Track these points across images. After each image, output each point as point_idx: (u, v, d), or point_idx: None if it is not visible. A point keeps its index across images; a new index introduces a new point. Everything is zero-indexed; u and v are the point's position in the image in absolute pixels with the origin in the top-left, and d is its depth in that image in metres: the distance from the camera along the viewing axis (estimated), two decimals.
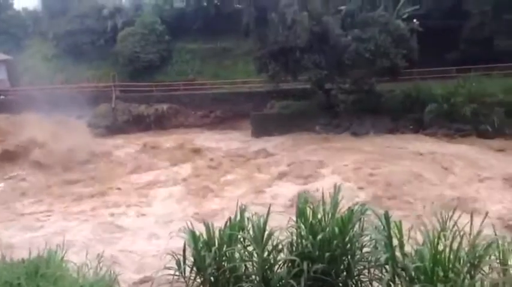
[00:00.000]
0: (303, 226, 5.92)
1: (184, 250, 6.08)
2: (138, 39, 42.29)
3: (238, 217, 6.22)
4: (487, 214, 6.00)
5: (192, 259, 6.08)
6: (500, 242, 5.17)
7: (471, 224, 5.43)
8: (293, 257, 5.73)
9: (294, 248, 5.94)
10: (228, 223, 6.12)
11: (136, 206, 20.46)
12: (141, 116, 38.51)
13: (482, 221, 5.34)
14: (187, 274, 6.08)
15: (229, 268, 5.90)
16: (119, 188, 23.32)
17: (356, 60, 30.71)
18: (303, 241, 5.85)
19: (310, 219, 5.94)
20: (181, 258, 6.11)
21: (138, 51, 41.97)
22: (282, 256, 5.96)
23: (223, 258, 5.97)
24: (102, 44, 45.12)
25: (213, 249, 5.89)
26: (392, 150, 26.34)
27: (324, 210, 6.06)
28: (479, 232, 5.16)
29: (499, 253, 5.11)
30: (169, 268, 6.15)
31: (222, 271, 5.87)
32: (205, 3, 44.58)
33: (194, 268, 6.03)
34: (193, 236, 6.05)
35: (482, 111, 28.33)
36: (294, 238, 6.01)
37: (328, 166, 23.96)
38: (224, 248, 5.94)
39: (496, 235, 5.16)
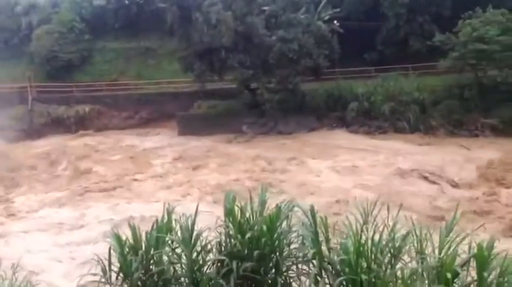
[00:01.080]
0: (231, 225, 5.92)
1: (109, 255, 5.87)
2: (55, 38, 40.23)
3: (166, 219, 6.11)
4: (401, 205, 6.32)
5: (118, 265, 5.89)
6: (417, 232, 5.46)
7: (388, 215, 5.69)
8: (222, 257, 5.72)
9: (223, 248, 5.93)
10: (155, 225, 5.99)
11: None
12: (61, 118, 36.78)
13: (398, 213, 5.61)
14: (113, 280, 5.88)
15: (157, 271, 5.77)
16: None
17: (280, 60, 31.28)
18: (232, 240, 5.85)
19: (239, 218, 5.95)
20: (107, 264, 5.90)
21: (56, 51, 39.93)
22: (211, 256, 5.92)
23: (151, 262, 5.84)
24: (16, 42, 42.56)
25: (140, 253, 5.74)
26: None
27: (252, 208, 6.09)
28: (395, 223, 5.42)
29: (417, 242, 5.39)
30: (94, 274, 5.92)
31: (149, 274, 5.74)
32: (126, 1, 43.33)
33: (120, 274, 5.84)
34: (119, 241, 5.85)
35: (400, 109, 29.89)
36: (223, 237, 6.00)
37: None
38: (151, 252, 5.80)
39: (413, 225, 5.43)
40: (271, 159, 25.32)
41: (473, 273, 4.89)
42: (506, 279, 4.69)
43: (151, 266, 5.82)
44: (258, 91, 32.65)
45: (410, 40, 34.56)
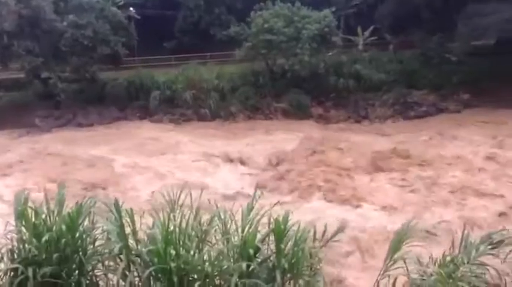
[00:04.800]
0: (24, 229, 5.34)
1: None
2: None
3: None
4: (202, 190, 6.51)
5: None
6: (222, 214, 5.67)
7: (195, 199, 5.79)
8: (15, 265, 5.13)
9: (16, 255, 5.32)
10: None
11: None
12: None
13: (200, 196, 5.76)
14: None
15: None
16: None
17: (74, 48, 29.40)
18: (26, 245, 5.29)
19: (33, 220, 5.40)
20: None
21: None
22: (1, 266, 5.27)
23: None
24: None
25: None
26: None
27: (48, 209, 5.59)
28: (198, 208, 5.55)
29: (222, 224, 5.61)
30: None
31: None
32: None
33: None
34: None
35: (201, 96, 30.70)
36: (16, 243, 5.39)
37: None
38: None
39: (217, 208, 5.63)
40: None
41: (273, 246, 5.30)
42: (300, 247, 5.20)
43: None
44: (50, 81, 30.04)
45: (211, 30, 35.79)
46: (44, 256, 5.27)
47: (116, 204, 5.57)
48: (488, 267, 4.95)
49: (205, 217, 5.51)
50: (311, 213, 14.54)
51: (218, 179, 19.54)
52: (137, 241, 5.48)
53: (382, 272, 5.51)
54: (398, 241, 5.49)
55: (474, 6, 29.44)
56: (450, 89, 30.40)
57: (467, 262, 4.97)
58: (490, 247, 5.09)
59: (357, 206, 16.70)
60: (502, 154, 21.07)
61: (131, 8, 32.61)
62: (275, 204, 6.14)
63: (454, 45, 31.22)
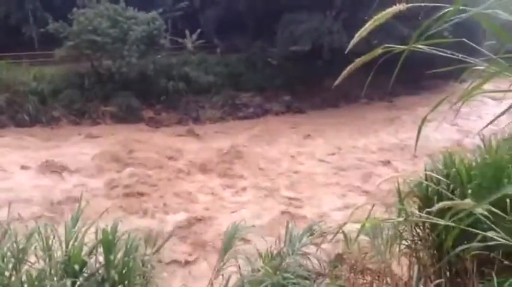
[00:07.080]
0: None
1: None
2: None
3: None
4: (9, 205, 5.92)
5: None
6: (42, 229, 5.17)
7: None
8: None
9: None
10: None
11: None
12: None
13: (8, 211, 5.20)
14: None
15: None
16: None
17: None
18: None
19: None
20: None
21: None
22: None
23: None
24: None
25: None
26: None
27: None
28: (9, 224, 5.01)
29: (42, 240, 5.11)
30: None
31: None
32: None
33: None
34: None
35: (17, 100, 27.90)
36: None
37: None
38: None
39: (36, 222, 5.12)
40: None
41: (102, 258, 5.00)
42: (131, 257, 5.00)
43: None
44: None
45: (23, 28, 32.65)
46: None
47: None
48: (310, 256, 5.34)
49: (23, 234, 4.96)
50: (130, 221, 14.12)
51: (38, 190, 17.87)
52: None
53: (215, 272, 5.59)
54: (229, 240, 5.62)
55: (290, 15, 32.04)
56: (273, 91, 32.66)
57: (292, 253, 5.31)
58: (310, 237, 5.50)
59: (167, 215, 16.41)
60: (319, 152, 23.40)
61: None
62: (102, 213, 5.82)
63: (275, 51, 33.52)
